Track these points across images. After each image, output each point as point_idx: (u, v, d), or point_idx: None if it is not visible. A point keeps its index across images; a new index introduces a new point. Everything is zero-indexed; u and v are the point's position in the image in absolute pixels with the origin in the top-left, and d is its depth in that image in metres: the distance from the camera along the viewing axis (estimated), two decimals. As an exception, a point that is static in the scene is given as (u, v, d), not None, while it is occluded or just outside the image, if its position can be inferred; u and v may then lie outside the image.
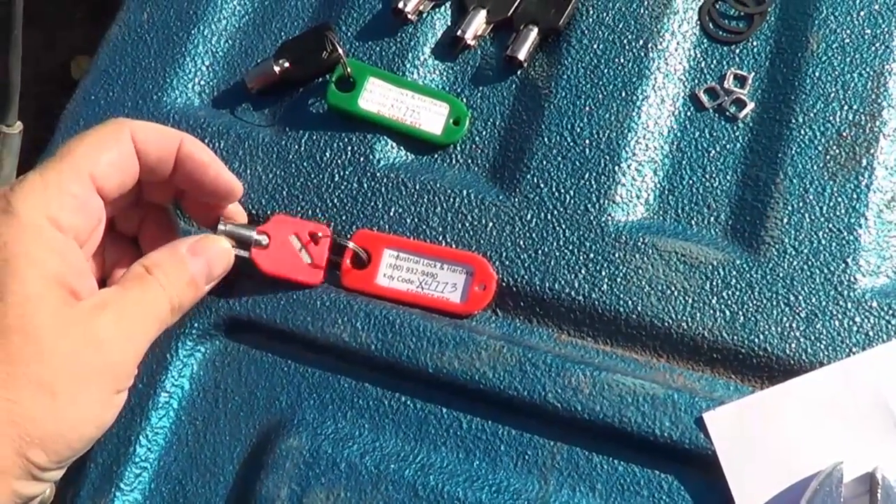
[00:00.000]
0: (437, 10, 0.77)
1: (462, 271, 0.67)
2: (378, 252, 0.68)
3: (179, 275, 0.58)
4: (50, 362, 0.50)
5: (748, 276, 0.67)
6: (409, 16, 0.74)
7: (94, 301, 0.55)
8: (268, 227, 0.65)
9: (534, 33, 0.74)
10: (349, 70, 0.72)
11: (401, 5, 0.74)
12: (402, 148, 0.73)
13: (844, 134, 0.71)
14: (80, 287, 0.53)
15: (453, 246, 0.69)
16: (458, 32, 0.74)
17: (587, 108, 0.72)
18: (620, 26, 0.74)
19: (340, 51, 0.73)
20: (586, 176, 0.70)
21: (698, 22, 0.75)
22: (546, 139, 0.71)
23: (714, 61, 0.74)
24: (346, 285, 0.67)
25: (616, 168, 0.70)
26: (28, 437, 0.49)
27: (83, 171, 0.54)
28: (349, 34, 0.76)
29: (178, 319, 0.60)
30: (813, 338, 0.66)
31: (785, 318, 0.66)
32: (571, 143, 0.71)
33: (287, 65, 0.74)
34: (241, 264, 0.65)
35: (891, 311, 0.66)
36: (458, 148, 0.72)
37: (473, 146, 0.72)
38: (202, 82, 0.77)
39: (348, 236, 0.68)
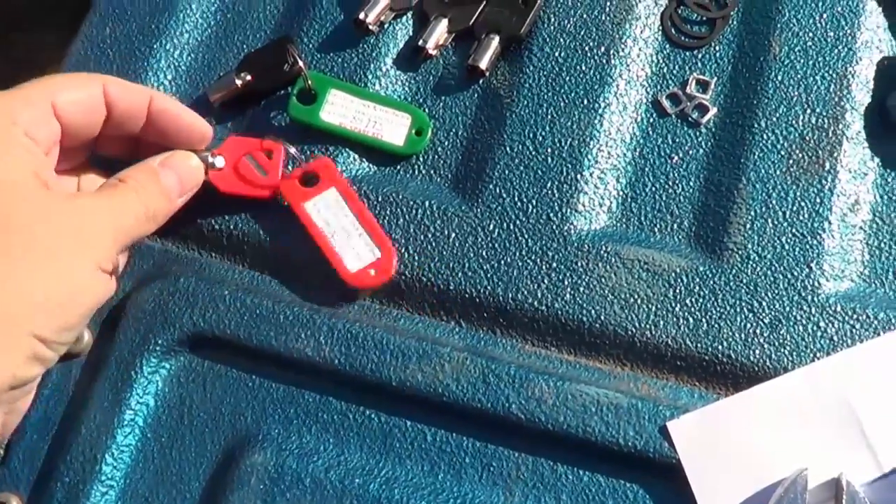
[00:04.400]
0: (398, 20, 0.79)
1: (372, 249, 0.70)
2: (325, 184, 0.74)
3: (152, 184, 0.65)
4: (38, 239, 0.57)
5: (711, 282, 0.70)
6: (371, 27, 0.77)
7: (70, 191, 0.65)
8: (223, 149, 0.72)
9: (495, 42, 0.77)
10: (310, 83, 0.76)
11: (362, 16, 0.77)
12: (364, 160, 0.76)
13: (807, 138, 0.74)
14: (52, 182, 0.60)
15: (415, 258, 0.72)
16: (420, 42, 0.77)
17: (549, 117, 0.75)
18: (582, 33, 0.77)
19: (301, 63, 0.76)
20: (548, 185, 0.73)
21: (661, 27, 0.78)
22: (508, 148, 0.74)
23: (676, 67, 0.77)
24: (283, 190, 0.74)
25: (578, 176, 0.73)
26: (31, 308, 0.56)
27: (46, 96, 0.61)
28: (311, 46, 0.79)
29: (154, 229, 0.66)
30: (777, 343, 0.68)
31: (749, 325, 0.69)
32: (533, 152, 0.74)
33: (249, 78, 0.77)
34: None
35: (854, 316, 0.69)
36: (421, 158, 0.75)
37: (436, 156, 0.76)
38: (166, 94, 0.80)
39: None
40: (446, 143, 0.75)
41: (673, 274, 0.70)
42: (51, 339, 0.57)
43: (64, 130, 0.63)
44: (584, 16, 0.78)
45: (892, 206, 0.72)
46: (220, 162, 0.69)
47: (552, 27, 0.78)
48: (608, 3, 0.78)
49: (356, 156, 0.76)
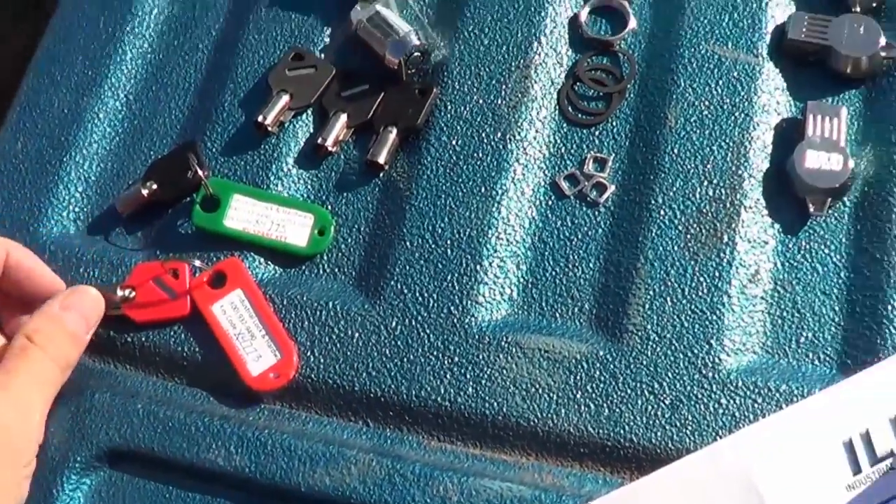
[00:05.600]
0: (297, 118, 0.83)
1: (274, 351, 0.74)
2: (232, 284, 0.78)
3: (60, 335, 0.69)
4: None
5: (612, 366, 0.73)
6: (270, 128, 0.81)
7: None
8: (131, 280, 0.76)
9: (393, 134, 0.80)
10: (211, 190, 0.80)
11: (261, 119, 0.81)
12: (269, 263, 0.80)
13: (705, 210, 0.77)
14: None
15: (321, 360, 0.76)
16: (320, 140, 0.81)
17: (447, 207, 0.78)
18: (479, 119, 0.81)
19: (201, 173, 0.80)
20: (448, 278, 0.77)
21: (557, 106, 0.82)
22: (408, 243, 0.78)
23: (574, 146, 0.81)
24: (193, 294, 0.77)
25: (478, 267, 0.77)
26: None
27: None
28: (214, 150, 0.83)
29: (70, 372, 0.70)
30: (679, 424, 0.72)
31: (650, 407, 0.72)
32: (433, 245, 0.78)
33: (155, 187, 0.82)
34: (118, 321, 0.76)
35: (756, 390, 0.72)
36: (325, 257, 0.79)
37: (339, 254, 0.79)
38: (76, 209, 0.84)
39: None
40: (349, 241, 0.79)
41: (573, 360, 0.73)
42: None
43: None
44: (481, 101, 0.81)
45: (793, 274, 0.75)
46: (131, 293, 0.73)
47: (449, 115, 0.81)
48: (503, 88, 0.82)
49: (262, 259, 0.80)
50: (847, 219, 0.77)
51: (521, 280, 0.76)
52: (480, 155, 0.79)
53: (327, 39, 0.86)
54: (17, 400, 0.63)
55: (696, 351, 0.72)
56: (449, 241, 0.77)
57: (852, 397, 0.71)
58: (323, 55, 0.85)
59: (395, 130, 0.80)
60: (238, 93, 0.85)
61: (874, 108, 0.80)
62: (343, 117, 0.81)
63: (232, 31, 0.88)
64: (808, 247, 0.76)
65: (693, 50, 0.82)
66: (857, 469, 0.69)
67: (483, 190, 0.78)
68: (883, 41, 0.80)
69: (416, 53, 0.81)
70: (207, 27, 0.89)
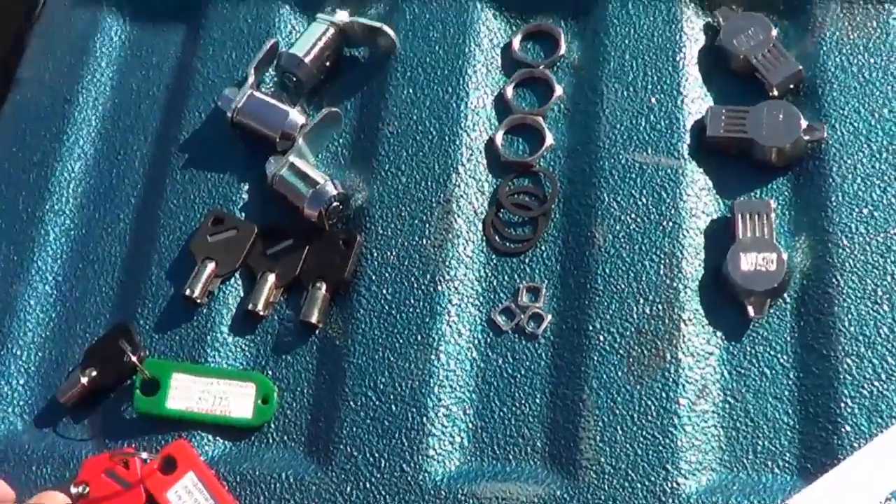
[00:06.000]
0: (226, 283, 0.83)
1: None
2: (183, 468, 0.77)
3: None
4: None
5: (556, 499, 0.73)
6: (199, 300, 0.81)
7: None
8: (83, 475, 0.76)
9: (322, 290, 0.80)
10: (149, 374, 0.80)
11: (188, 292, 0.81)
12: (218, 438, 0.80)
13: (644, 329, 0.77)
14: None
15: (279, 538, 0.76)
16: (251, 306, 0.81)
17: (386, 361, 0.78)
18: (406, 264, 0.81)
19: (135, 358, 0.80)
20: (397, 434, 0.77)
21: (484, 237, 0.81)
22: (352, 402, 0.78)
23: (505, 277, 0.81)
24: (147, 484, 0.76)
25: (424, 419, 0.77)
26: None
27: None
28: (147, 327, 0.83)
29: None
30: (644, 559, 0.71)
31: (613, 544, 0.72)
32: (377, 402, 0.77)
33: (94, 374, 0.82)
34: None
35: None
36: (273, 425, 0.79)
37: (286, 421, 0.79)
38: (21, 403, 0.84)
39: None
40: (294, 406, 0.79)
41: (532, 500, 0.72)
42: None
43: None
44: (406, 244, 0.81)
45: (741, 382, 0.75)
46: (85, 489, 0.74)
47: (376, 263, 0.81)
48: (427, 227, 0.82)
49: (209, 436, 0.80)
50: (789, 316, 0.77)
51: (470, 426, 0.76)
52: (412, 301, 0.79)
53: (246, 196, 0.85)
54: None
55: (653, 479, 0.72)
56: (392, 396, 0.77)
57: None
58: (243, 214, 0.84)
59: (324, 286, 0.80)
60: (164, 263, 0.86)
61: (803, 195, 0.80)
62: (271, 277, 0.81)
63: (151, 197, 0.88)
64: (752, 352, 0.76)
65: (613, 161, 0.82)
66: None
67: (419, 338, 0.78)
68: (804, 124, 0.79)
69: (335, 203, 0.81)
70: (126, 196, 0.90)
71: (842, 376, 0.74)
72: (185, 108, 0.90)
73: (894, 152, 0.80)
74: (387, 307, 0.79)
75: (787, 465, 0.73)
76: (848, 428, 0.73)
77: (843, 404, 0.73)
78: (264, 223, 0.85)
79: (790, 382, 0.75)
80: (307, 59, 0.87)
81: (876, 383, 0.73)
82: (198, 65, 0.92)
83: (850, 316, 0.75)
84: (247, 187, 0.86)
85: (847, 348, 0.74)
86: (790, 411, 0.74)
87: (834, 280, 0.77)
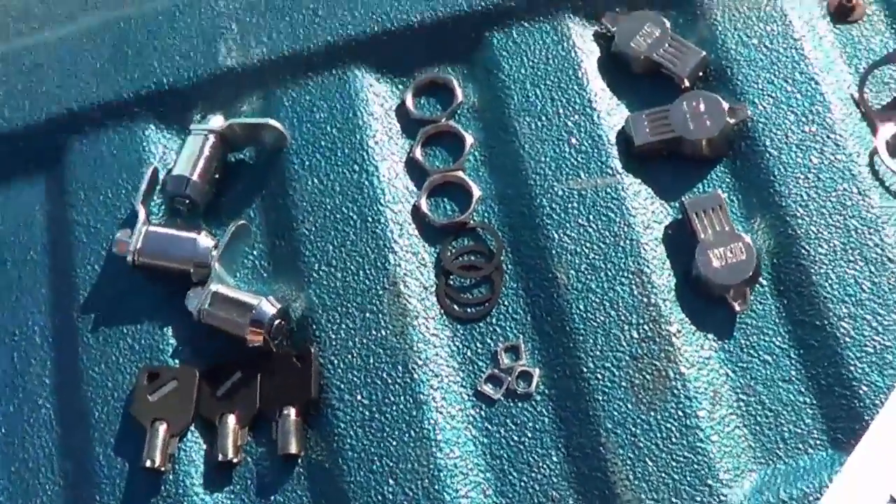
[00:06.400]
0: (184, 441, 0.79)
1: None
2: None
3: None
4: None
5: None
6: (162, 467, 0.78)
7: None
8: None
9: (292, 417, 0.78)
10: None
11: (148, 463, 0.78)
12: None
13: (638, 355, 0.78)
14: None
15: None
16: (220, 456, 0.77)
17: (386, 469, 0.77)
18: (372, 361, 0.80)
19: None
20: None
21: (441, 310, 0.80)
22: (364, 527, 0.75)
23: (478, 344, 0.81)
24: None
25: (446, 514, 0.75)
26: None
27: None
28: (113, 515, 0.79)
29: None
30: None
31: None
32: (390, 518, 0.75)
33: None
34: None
35: None
36: (284, 575, 0.76)
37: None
38: None
39: None
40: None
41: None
42: None
43: None
44: (365, 341, 0.80)
45: (747, 376, 0.78)
46: None
47: (339, 370, 0.79)
48: (381, 317, 0.81)
49: None
50: (771, 299, 0.79)
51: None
52: (391, 398, 0.78)
53: (173, 341, 0.82)
54: None
55: (698, 499, 0.74)
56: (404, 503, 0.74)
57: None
58: (177, 360, 0.81)
59: (292, 411, 0.78)
60: (107, 440, 0.82)
61: (745, 178, 0.83)
62: (231, 419, 0.79)
63: (68, 373, 0.86)
64: (748, 343, 0.78)
65: (549, 195, 0.83)
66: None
67: (412, 434, 0.77)
68: (726, 107, 0.81)
69: (276, 322, 0.78)
70: (38, 377, 0.86)
71: (842, 341, 0.77)
72: (75, 265, 0.87)
73: (818, 112, 0.83)
74: (367, 413, 0.78)
75: (818, 442, 0.76)
76: (864, 388, 0.76)
77: (851, 367, 0.76)
78: (204, 363, 0.81)
79: (794, 362, 0.77)
80: (195, 177, 0.85)
81: (876, 338, 0.76)
82: (72, 214, 0.89)
83: (829, 281, 0.78)
84: (171, 331, 0.82)
85: (838, 312, 0.77)
86: (803, 389, 0.77)
87: (802, 250, 0.79)
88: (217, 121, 0.88)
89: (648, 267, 0.80)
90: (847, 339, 0.77)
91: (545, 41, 0.89)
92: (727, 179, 0.84)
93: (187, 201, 0.85)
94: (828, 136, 0.84)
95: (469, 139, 0.87)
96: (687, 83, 0.85)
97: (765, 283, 0.80)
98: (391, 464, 0.77)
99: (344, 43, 0.90)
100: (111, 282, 0.85)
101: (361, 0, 0.92)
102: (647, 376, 0.77)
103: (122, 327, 0.84)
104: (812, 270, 0.79)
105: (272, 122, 0.86)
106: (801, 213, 0.81)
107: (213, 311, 0.81)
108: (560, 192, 0.83)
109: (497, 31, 0.90)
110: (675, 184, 0.84)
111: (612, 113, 0.86)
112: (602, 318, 0.79)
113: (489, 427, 0.78)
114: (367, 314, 0.81)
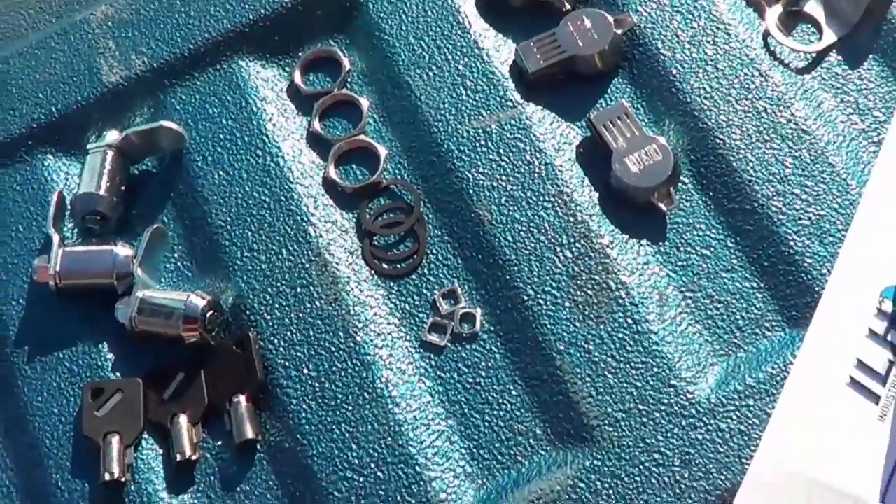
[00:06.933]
0: (139, 450, 0.77)
1: None
2: None
3: None
4: None
5: (607, 468, 0.73)
6: (123, 478, 0.77)
7: None
8: None
9: (243, 403, 0.77)
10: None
11: (107, 476, 0.76)
12: None
13: (576, 273, 0.78)
14: None
15: None
16: (178, 457, 0.75)
17: (347, 437, 0.77)
18: (314, 333, 0.80)
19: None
20: (399, 499, 0.74)
21: (372, 271, 0.79)
22: (336, 493, 0.75)
23: (414, 297, 0.81)
24: None
25: (417, 468, 0.76)
26: None
27: None
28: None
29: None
30: (703, 471, 0.71)
31: (666, 478, 0.71)
32: (362, 479, 0.75)
33: None
34: None
35: (742, 396, 0.74)
36: (265, 564, 0.74)
37: (278, 553, 0.74)
38: None
39: None
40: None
41: (568, 489, 0.72)
42: None
43: None
44: (301, 315, 0.79)
45: (689, 273, 0.78)
46: None
47: (281, 348, 0.78)
48: (312, 289, 0.80)
49: None
50: (697, 194, 0.80)
51: (464, 451, 0.75)
52: (339, 365, 0.77)
53: (110, 355, 0.80)
54: None
55: (665, 401, 0.73)
56: (373, 465, 0.75)
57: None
58: (118, 373, 0.79)
59: (242, 398, 0.76)
60: (64, 464, 0.79)
61: (645, 84, 0.84)
62: (183, 419, 0.78)
63: (13, 410, 0.82)
64: (683, 241, 0.78)
65: (456, 139, 0.82)
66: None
67: (366, 395, 0.76)
68: (612, 19, 0.81)
69: (209, 313, 0.77)
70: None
71: (775, 219, 0.77)
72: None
73: (703, 6, 0.84)
74: (317, 385, 0.77)
75: (774, 323, 0.76)
76: (808, 261, 0.76)
77: (791, 243, 0.76)
78: (145, 371, 0.79)
79: (733, 250, 0.77)
80: (101, 192, 0.83)
81: (809, 210, 0.77)
82: (-16, 256, 0.85)
83: (750, 164, 0.78)
84: (106, 346, 0.81)
85: (765, 192, 0.78)
86: (748, 275, 0.76)
87: (717, 140, 0.80)
88: (112, 135, 0.87)
89: (568, 187, 0.80)
90: (780, 217, 0.77)
91: (419, -8, 0.88)
92: (628, 89, 0.84)
93: (98, 218, 0.84)
94: (717, 28, 0.84)
95: (365, 102, 0.86)
96: (568, 6, 0.85)
97: (686, 180, 0.80)
98: (350, 429, 0.75)
99: (222, 37, 0.89)
100: (38, 311, 0.83)
101: (230, -7, 0.90)
102: (589, 292, 0.76)
103: (58, 353, 0.82)
104: (731, 157, 0.79)
105: (166, 123, 0.85)
106: (709, 106, 0.81)
107: (143, 317, 0.79)
108: (465, 134, 0.82)
109: (371, -7, 0.89)
110: (578, 104, 0.84)
111: (499, 49, 0.87)
112: (532, 245, 0.78)
113: (442, 375, 0.77)
114: (298, 289, 0.80)
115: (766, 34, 0.83)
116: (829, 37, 0.83)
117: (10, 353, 0.82)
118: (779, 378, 0.73)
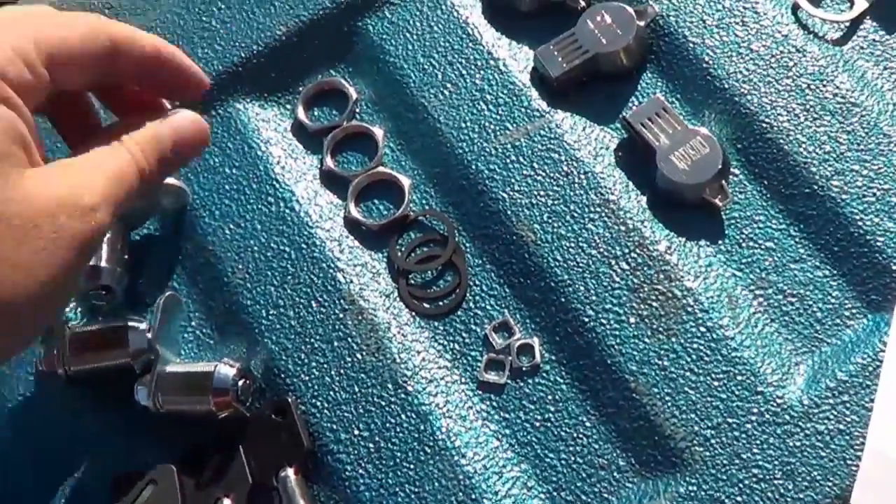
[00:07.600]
0: None
1: None
2: None
3: (142, 131, 0.56)
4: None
5: (703, 493, 0.65)
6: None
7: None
8: None
9: (292, 477, 0.72)
10: None
11: None
12: None
13: (636, 285, 0.72)
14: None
15: None
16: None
17: (413, 498, 0.69)
18: (358, 390, 0.72)
19: None
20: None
21: (412, 314, 0.73)
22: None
23: (463, 335, 0.74)
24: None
25: (495, 522, 0.65)
26: None
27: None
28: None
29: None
30: (808, 480, 0.64)
31: (766, 489, 0.63)
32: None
33: None
34: None
35: (835, 393, 0.68)
36: None
37: None
38: None
39: None
40: None
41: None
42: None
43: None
44: (343, 371, 0.74)
45: (756, 269, 0.73)
46: None
47: (326, 412, 0.72)
48: (351, 341, 0.73)
49: None
50: (750, 184, 0.74)
51: (546, 496, 0.69)
52: (393, 420, 0.70)
53: (136, 444, 0.73)
54: (82, 176, 0.52)
55: (755, 411, 0.67)
56: None
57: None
58: (147, 459, 0.71)
59: (290, 471, 0.69)
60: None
61: (677, 75, 0.78)
62: (227, 502, 0.68)
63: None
64: (743, 236, 0.73)
65: (485, 158, 0.76)
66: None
67: (428, 450, 0.69)
68: (632, 11, 0.75)
69: (240, 382, 0.69)
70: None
71: (838, 200, 0.72)
72: (5, 400, 0.77)
73: (726, -10, 0.78)
74: (371, 446, 0.70)
75: (855, 310, 0.71)
76: (880, 239, 0.71)
77: (859, 223, 0.72)
78: (176, 454, 0.72)
79: (798, 239, 0.72)
80: (103, 263, 0.76)
81: (872, 186, 0.72)
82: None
83: (802, 145, 0.73)
84: (130, 433, 0.73)
85: (823, 172, 0.72)
86: (818, 263, 0.71)
87: (764, 125, 0.74)
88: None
89: (613, 194, 0.74)
90: (843, 196, 0.72)
91: (422, 10, 0.82)
92: (659, 83, 0.78)
93: (103, 293, 0.76)
94: (744, 7, 0.79)
95: (379, 132, 0.80)
96: (583, 3, 0.78)
97: (737, 171, 0.74)
98: (415, 489, 0.69)
99: (215, 80, 0.82)
100: (49, 403, 0.76)
101: (218, 34, 0.83)
102: (654, 304, 0.70)
103: (76, 446, 0.73)
104: (781, 140, 0.74)
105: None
106: (748, 89, 0.75)
107: (168, 395, 0.72)
108: (493, 152, 0.76)
109: (369, 17, 0.83)
110: (609, 105, 0.78)
111: (516, 57, 0.80)
112: (584, 262, 0.72)
113: (506, 416, 0.70)
114: (335, 343, 0.73)
115: (796, 7, 0.77)
116: (861, 3, 0.76)
117: (23, 458, 0.74)
118: (871, 368, 0.67)
